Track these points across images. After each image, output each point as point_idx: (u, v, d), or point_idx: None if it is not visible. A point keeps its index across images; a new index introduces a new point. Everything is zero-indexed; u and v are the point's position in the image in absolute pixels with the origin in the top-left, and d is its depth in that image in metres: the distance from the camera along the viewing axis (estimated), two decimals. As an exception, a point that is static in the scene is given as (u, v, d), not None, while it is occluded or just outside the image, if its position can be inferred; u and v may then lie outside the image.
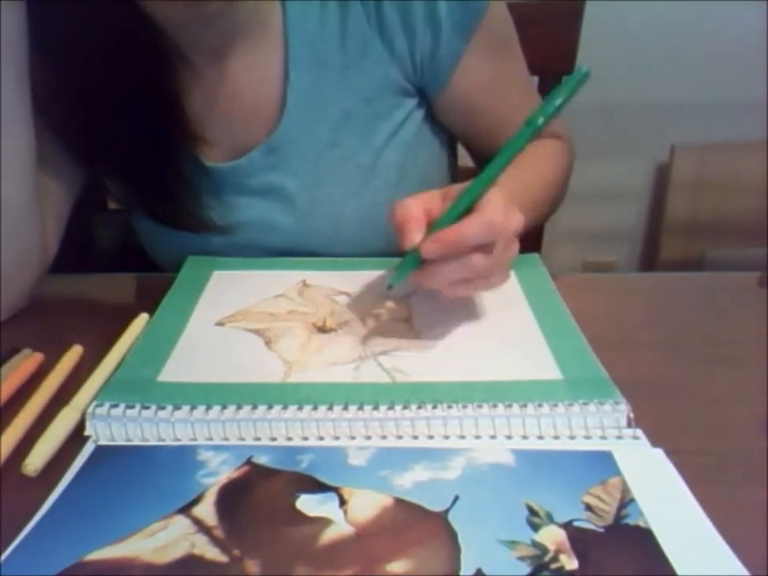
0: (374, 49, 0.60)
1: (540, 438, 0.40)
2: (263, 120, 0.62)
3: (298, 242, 0.64)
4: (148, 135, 0.59)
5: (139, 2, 0.52)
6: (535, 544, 0.32)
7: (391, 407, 0.41)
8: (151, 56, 0.56)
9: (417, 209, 0.45)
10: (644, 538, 0.33)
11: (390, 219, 0.45)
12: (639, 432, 0.40)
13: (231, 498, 0.36)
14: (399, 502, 0.35)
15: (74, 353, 0.49)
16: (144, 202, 0.64)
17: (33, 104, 0.52)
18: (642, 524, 0.34)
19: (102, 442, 0.40)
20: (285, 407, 0.41)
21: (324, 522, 0.34)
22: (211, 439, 0.40)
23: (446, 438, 0.40)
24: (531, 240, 0.99)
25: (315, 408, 0.41)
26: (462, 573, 0.31)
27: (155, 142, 0.60)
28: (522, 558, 0.32)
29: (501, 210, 0.43)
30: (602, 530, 0.33)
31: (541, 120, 0.43)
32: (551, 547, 0.32)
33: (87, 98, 0.57)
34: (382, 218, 0.47)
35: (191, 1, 0.51)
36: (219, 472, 0.37)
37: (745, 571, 0.31)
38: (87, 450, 0.40)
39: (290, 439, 0.40)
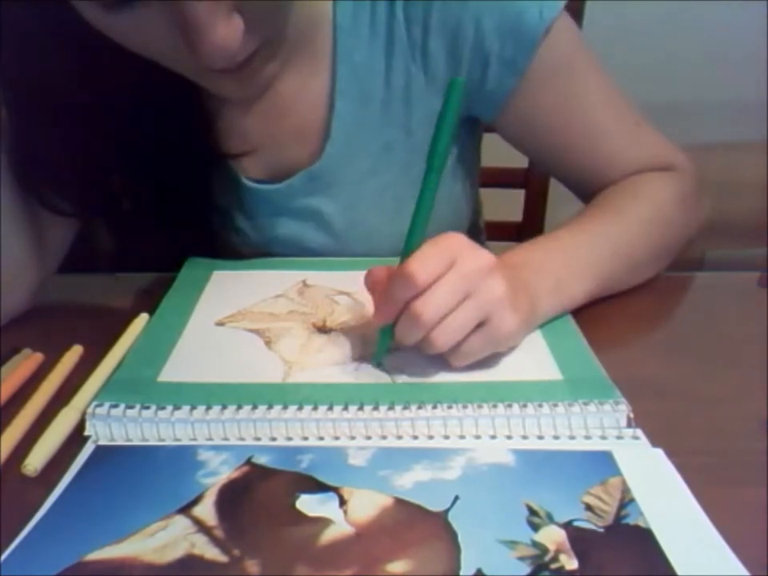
0: (417, 83, 0.59)
1: (540, 437, 0.40)
2: (306, 144, 0.62)
3: None
4: (183, 152, 0.59)
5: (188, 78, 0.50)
6: (535, 544, 0.32)
7: (391, 407, 0.41)
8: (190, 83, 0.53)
9: (381, 275, 0.45)
10: (644, 538, 0.33)
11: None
12: (639, 432, 0.40)
13: (231, 498, 0.36)
14: (399, 502, 0.35)
15: (74, 353, 0.49)
16: (169, 227, 0.62)
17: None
18: (641, 524, 0.34)
19: (102, 442, 0.40)
20: (285, 407, 0.41)
21: (324, 522, 0.34)
22: (211, 439, 0.40)
23: (446, 438, 0.40)
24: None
25: (315, 408, 0.41)
26: (461, 573, 0.31)
27: (191, 160, 0.60)
28: (521, 558, 0.32)
29: (415, 258, 0.42)
30: (601, 530, 0.33)
31: (436, 160, 0.43)
32: (551, 547, 0.32)
33: (125, 119, 0.55)
34: None
35: (241, 77, 0.49)
36: (219, 472, 0.37)
37: (745, 571, 0.31)
38: (87, 449, 0.40)
39: (289, 439, 0.40)
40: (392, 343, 0.45)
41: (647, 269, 0.58)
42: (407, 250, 0.43)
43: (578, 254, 0.52)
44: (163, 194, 0.60)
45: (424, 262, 0.41)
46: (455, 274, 0.42)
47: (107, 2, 0.42)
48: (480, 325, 0.43)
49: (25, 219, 0.54)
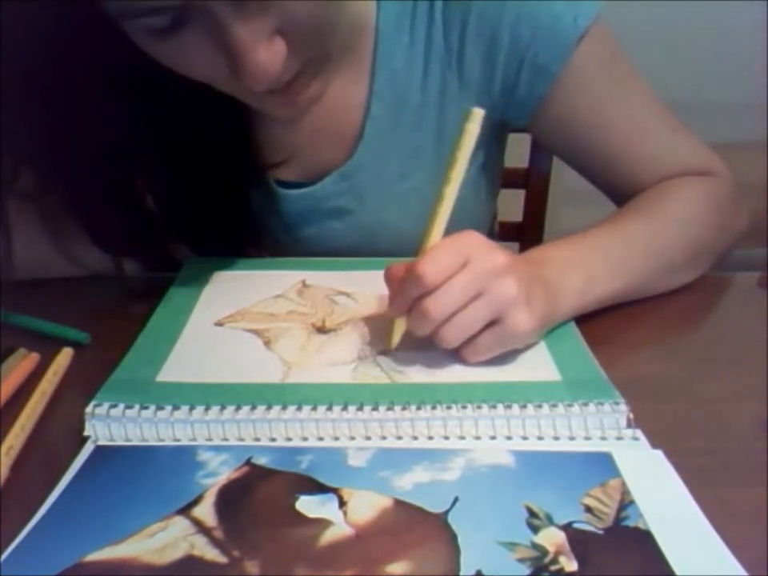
0: (451, 89, 0.60)
1: (540, 438, 0.40)
2: (339, 146, 0.62)
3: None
4: (225, 164, 0.60)
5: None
6: (535, 546, 0.32)
7: (391, 408, 0.41)
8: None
9: (399, 271, 0.45)
10: (643, 540, 0.33)
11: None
12: (639, 432, 0.40)
13: (231, 498, 0.36)
14: (399, 503, 0.35)
15: (65, 355, 0.48)
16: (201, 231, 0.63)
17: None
18: (641, 526, 0.34)
19: (102, 442, 0.40)
20: (284, 407, 0.41)
21: (324, 523, 0.34)
22: (211, 440, 0.40)
23: (446, 438, 0.40)
24: (532, 240, 1.00)
25: (314, 408, 0.41)
26: (461, 574, 0.31)
27: (228, 170, 0.60)
28: (521, 560, 0.31)
29: (426, 258, 0.42)
30: (601, 532, 0.33)
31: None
32: (551, 549, 0.32)
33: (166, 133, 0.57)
34: None
35: (287, 97, 0.50)
36: (219, 473, 0.37)
37: (744, 572, 0.31)
38: (87, 450, 0.40)
39: (289, 440, 0.40)
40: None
41: (683, 271, 0.57)
42: (421, 250, 0.44)
43: (607, 253, 0.52)
44: (202, 204, 0.61)
45: (435, 262, 0.42)
46: (467, 273, 0.42)
47: (154, 28, 0.43)
48: (493, 323, 0.43)
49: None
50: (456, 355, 0.45)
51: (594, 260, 0.51)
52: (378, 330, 0.49)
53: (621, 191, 0.62)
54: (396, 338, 0.46)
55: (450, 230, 0.45)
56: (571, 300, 0.48)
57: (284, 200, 0.63)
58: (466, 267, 0.42)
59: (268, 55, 0.44)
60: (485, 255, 0.43)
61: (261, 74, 0.44)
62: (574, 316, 0.49)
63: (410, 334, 0.45)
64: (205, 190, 0.60)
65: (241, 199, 0.62)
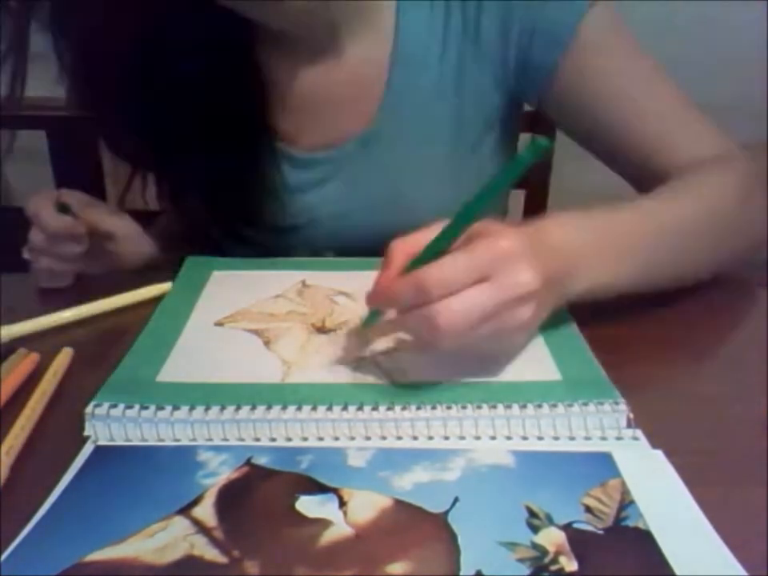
0: (468, 59, 0.61)
1: (540, 438, 0.40)
2: (360, 115, 0.63)
3: (373, 238, 0.56)
4: (237, 128, 0.61)
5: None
6: (535, 546, 0.32)
7: (391, 408, 0.41)
8: (246, 46, 0.58)
9: (406, 249, 0.42)
10: (643, 540, 0.33)
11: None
12: (639, 432, 0.40)
13: (231, 498, 0.36)
14: (399, 503, 0.35)
15: (65, 355, 0.48)
16: (217, 199, 0.64)
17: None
18: (641, 526, 0.34)
19: (102, 443, 0.40)
20: (284, 407, 0.41)
21: (324, 523, 0.34)
22: (211, 440, 0.40)
23: (446, 438, 0.40)
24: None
25: (314, 408, 0.41)
26: (461, 574, 0.31)
27: (243, 134, 0.62)
28: (521, 560, 0.31)
29: (438, 267, 0.38)
30: (601, 532, 0.33)
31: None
32: (551, 549, 0.32)
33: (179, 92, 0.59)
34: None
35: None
36: (219, 473, 0.37)
37: (744, 572, 0.31)
38: (87, 450, 0.40)
39: (289, 440, 0.40)
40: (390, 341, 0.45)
41: (705, 264, 0.54)
42: (425, 256, 0.40)
43: (629, 238, 0.49)
44: (216, 173, 0.62)
45: (447, 279, 0.38)
46: (486, 292, 0.38)
47: None
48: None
49: None
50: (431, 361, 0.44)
51: (615, 245, 0.47)
52: (378, 331, 0.49)
53: (634, 172, 0.61)
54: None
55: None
56: (582, 284, 0.45)
57: (301, 165, 0.64)
58: (487, 283, 0.38)
59: None
60: (509, 272, 0.39)
61: None
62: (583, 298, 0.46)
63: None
64: (221, 157, 0.61)
65: (257, 168, 0.63)
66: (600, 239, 0.47)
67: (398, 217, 0.62)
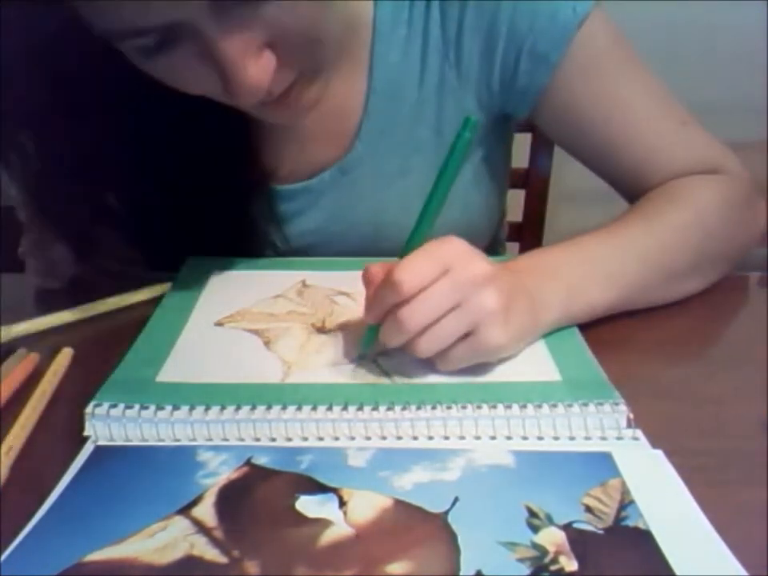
0: (449, 83, 0.60)
1: (540, 438, 0.40)
2: (337, 144, 0.62)
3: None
4: (221, 166, 0.60)
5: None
6: (535, 546, 0.32)
7: (391, 408, 0.41)
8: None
9: (377, 273, 0.44)
10: (643, 540, 0.33)
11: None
12: (639, 432, 0.40)
13: (231, 498, 0.36)
14: (399, 503, 0.35)
15: (65, 355, 0.48)
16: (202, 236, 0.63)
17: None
18: (641, 526, 0.34)
19: (102, 442, 0.40)
20: (284, 407, 0.41)
21: (324, 523, 0.34)
22: (211, 440, 0.40)
23: (446, 438, 0.40)
24: (532, 241, 1.00)
25: (314, 408, 0.41)
26: (461, 574, 0.31)
27: (227, 171, 0.60)
28: (521, 560, 0.31)
29: (404, 266, 0.41)
30: (601, 532, 0.33)
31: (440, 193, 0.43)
32: (551, 549, 0.32)
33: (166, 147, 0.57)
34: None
35: (283, 106, 0.49)
36: (219, 473, 0.37)
37: (744, 572, 0.31)
38: (86, 450, 0.40)
39: (289, 440, 0.40)
40: (380, 343, 0.44)
41: (687, 281, 0.54)
42: (404, 254, 0.42)
43: (600, 261, 0.50)
44: (201, 210, 0.61)
45: (413, 270, 0.41)
46: (446, 283, 0.41)
47: (143, 48, 0.43)
48: (468, 334, 0.42)
49: None
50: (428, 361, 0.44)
51: (583, 270, 0.49)
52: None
53: (627, 186, 0.61)
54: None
55: (452, 228, 0.44)
56: (554, 311, 0.47)
57: (281, 198, 0.63)
58: (445, 276, 0.41)
59: (257, 70, 0.43)
60: (466, 264, 0.41)
61: (250, 89, 0.44)
62: (561, 326, 0.48)
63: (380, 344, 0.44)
64: (205, 196, 0.60)
65: (241, 205, 0.62)
66: (567, 268, 0.49)
67: (379, 242, 0.63)
